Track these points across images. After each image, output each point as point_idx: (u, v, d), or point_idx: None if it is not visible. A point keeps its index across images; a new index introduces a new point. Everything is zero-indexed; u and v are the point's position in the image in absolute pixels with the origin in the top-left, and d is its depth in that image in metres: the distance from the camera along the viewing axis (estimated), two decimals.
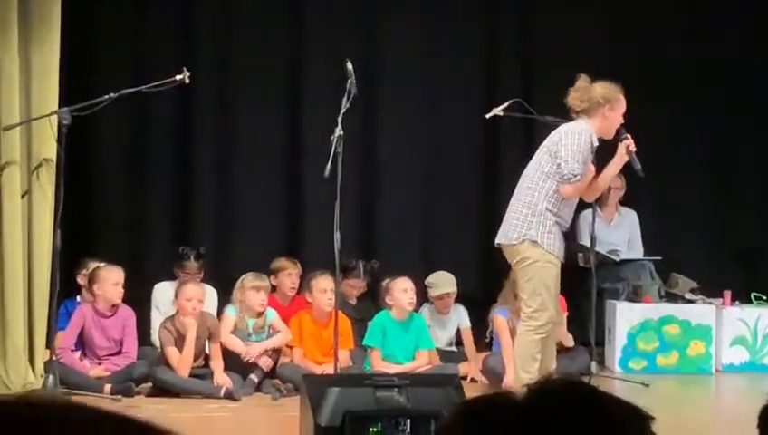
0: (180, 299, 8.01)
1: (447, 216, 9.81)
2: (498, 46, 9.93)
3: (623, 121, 7.24)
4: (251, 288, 8.24)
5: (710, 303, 9.39)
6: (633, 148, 7.21)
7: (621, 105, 7.23)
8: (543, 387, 1.36)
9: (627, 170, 9.65)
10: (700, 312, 9.30)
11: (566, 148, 7.03)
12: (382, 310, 8.50)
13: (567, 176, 7.00)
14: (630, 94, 9.83)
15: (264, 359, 8.17)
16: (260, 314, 8.31)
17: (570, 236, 7.70)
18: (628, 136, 7.24)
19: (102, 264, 8.29)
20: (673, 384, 8.80)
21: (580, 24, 9.93)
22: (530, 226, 7.03)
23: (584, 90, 7.22)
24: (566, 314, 8.58)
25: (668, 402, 7.98)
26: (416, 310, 8.64)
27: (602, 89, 7.24)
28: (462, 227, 9.39)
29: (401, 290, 8.35)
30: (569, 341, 8.55)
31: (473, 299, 8.91)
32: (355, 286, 9.11)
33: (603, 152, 7.29)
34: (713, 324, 9.24)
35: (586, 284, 8.74)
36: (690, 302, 9.42)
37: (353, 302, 9.14)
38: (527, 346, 7.05)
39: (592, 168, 7.24)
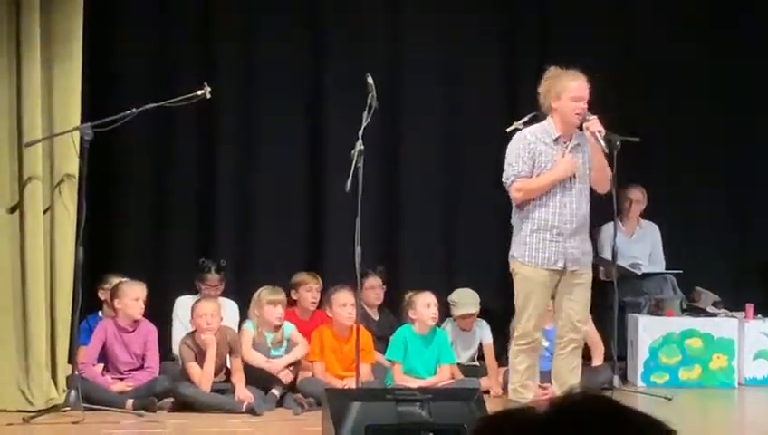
0: (195, 317, 8.05)
1: (469, 230, 9.74)
2: (519, 60, 9.92)
3: (582, 104, 7.05)
4: (268, 303, 8.26)
5: (732, 316, 9.34)
6: (595, 128, 7.03)
7: (567, 90, 7.07)
8: (565, 401, 1.36)
9: (648, 184, 9.75)
10: (722, 325, 9.26)
11: (506, 156, 7.15)
12: (403, 324, 8.51)
13: (503, 183, 7.12)
14: (651, 106, 9.88)
15: (285, 373, 8.17)
16: (278, 328, 8.32)
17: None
18: (591, 118, 7.06)
19: (124, 279, 8.33)
20: (695, 398, 8.76)
21: (599, 34, 9.92)
22: (512, 241, 7.18)
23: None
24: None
25: (691, 416, 7.93)
26: (438, 325, 8.64)
27: (544, 82, 7.17)
28: (483, 242, 9.37)
29: (424, 305, 8.35)
30: (596, 353, 8.60)
31: (494, 313, 8.90)
32: (375, 286, 9.07)
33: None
34: (735, 338, 9.19)
35: (608, 297, 8.70)
36: (712, 315, 9.37)
37: (374, 316, 9.13)
38: (510, 357, 7.29)
39: (570, 159, 7.11)
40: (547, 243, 7.09)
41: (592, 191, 7.33)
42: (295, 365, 8.30)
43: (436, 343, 8.42)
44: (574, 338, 7.26)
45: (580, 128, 7.15)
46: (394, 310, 9.08)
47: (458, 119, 9.90)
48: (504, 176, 7.15)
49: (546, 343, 7.97)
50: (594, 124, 7.04)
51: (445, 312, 8.90)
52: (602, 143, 7.04)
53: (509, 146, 7.19)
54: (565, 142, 7.16)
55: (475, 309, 8.84)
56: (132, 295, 8.10)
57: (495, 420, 1.41)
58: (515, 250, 7.16)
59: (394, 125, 9.68)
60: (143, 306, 8.14)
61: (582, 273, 7.20)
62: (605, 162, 7.21)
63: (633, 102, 9.85)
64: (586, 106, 7.10)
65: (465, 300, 8.84)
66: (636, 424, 1.34)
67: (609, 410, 1.36)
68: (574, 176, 7.13)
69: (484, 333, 8.96)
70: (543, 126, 7.17)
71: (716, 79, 10.07)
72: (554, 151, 7.13)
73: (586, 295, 7.25)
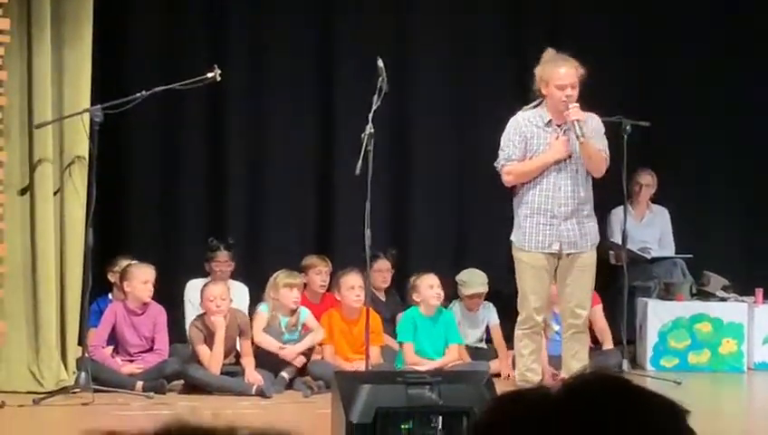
0: (204, 301, 8.06)
1: (478, 212, 9.76)
2: (529, 46, 9.89)
3: (567, 92, 7.01)
4: (284, 286, 8.23)
5: (742, 301, 9.33)
6: (573, 117, 6.99)
7: (553, 78, 7.06)
8: (578, 381, 1.37)
9: (657, 168, 9.73)
10: (732, 310, 9.24)
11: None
12: (410, 306, 8.54)
13: (495, 167, 7.17)
14: (661, 90, 9.86)
15: (299, 358, 8.19)
16: (293, 312, 8.31)
17: (601, 233, 7.64)
18: (572, 106, 7.01)
19: (134, 261, 8.33)
20: (705, 382, 8.76)
21: (609, 25, 9.91)
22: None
23: None
24: (600, 304, 8.62)
25: (700, 400, 7.92)
26: (445, 305, 8.68)
27: (539, 67, 7.16)
28: (493, 224, 9.35)
29: (427, 287, 8.41)
30: (605, 340, 8.63)
31: (503, 295, 8.89)
32: (383, 269, 9.06)
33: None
34: (745, 322, 9.18)
35: (617, 282, 8.70)
36: (722, 300, 9.36)
37: (382, 298, 9.13)
38: (515, 341, 7.35)
39: (562, 142, 7.10)
40: (541, 226, 7.11)
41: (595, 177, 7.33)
42: (309, 350, 8.30)
43: (442, 323, 8.48)
44: (573, 323, 7.26)
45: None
46: (401, 292, 9.09)
47: (469, 101, 9.88)
48: (497, 160, 7.17)
49: (557, 327, 7.99)
50: (574, 112, 7.01)
51: (453, 292, 8.94)
52: (578, 131, 6.99)
53: (505, 130, 7.20)
54: (559, 125, 7.14)
55: (484, 289, 8.88)
56: (141, 278, 8.11)
57: (508, 401, 1.41)
58: (513, 235, 7.24)
59: (404, 108, 9.67)
60: (152, 289, 8.15)
61: (581, 256, 7.18)
62: (592, 149, 7.11)
63: (643, 86, 9.84)
64: (574, 93, 7.05)
65: (474, 280, 8.88)
66: (648, 404, 1.35)
67: (622, 389, 1.36)
68: (570, 158, 7.12)
69: (490, 314, 9.00)
70: (537, 110, 7.19)
71: (728, 61, 10.02)
72: (547, 134, 7.13)
73: (585, 279, 7.23)
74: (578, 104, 7.04)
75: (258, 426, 1.17)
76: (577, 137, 7.01)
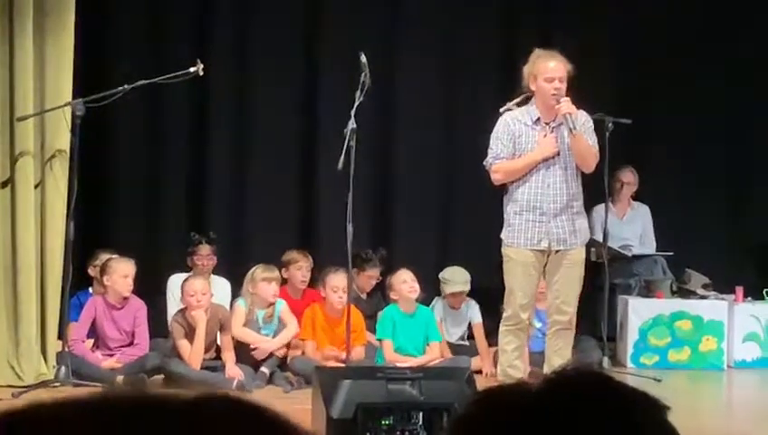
0: (185, 295, 8.04)
1: (462, 208, 9.81)
2: (518, 37, 9.89)
3: (556, 84, 7.02)
4: (262, 280, 8.24)
5: (722, 299, 9.35)
6: (565, 110, 7.01)
7: (542, 71, 7.08)
8: (559, 376, 1.38)
9: (637, 164, 9.76)
10: (712, 307, 9.26)
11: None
12: (389, 304, 8.56)
13: (484, 165, 7.18)
14: (644, 88, 9.88)
15: (278, 352, 8.18)
16: (270, 305, 8.31)
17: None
18: (563, 100, 7.02)
19: (114, 256, 8.30)
20: (685, 380, 8.77)
21: (596, 18, 9.92)
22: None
23: None
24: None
25: (680, 398, 7.90)
26: (427, 304, 8.69)
27: (527, 64, 7.17)
28: (476, 220, 9.37)
29: (400, 282, 8.43)
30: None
31: (487, 292, 8.88)
32: (373, 276, 9.05)
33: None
34: (725, 320, 9.20)
35: (598, 279, 8.71)
36: (702, 297, 9.38)
37: (363, 296, 9.12)
38: (499, 338, 7.36)
39: (549, 140, 7.11)
40: (530, 223, 7.12)
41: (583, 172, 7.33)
42: (286, 345, 8.29)
43: (422, 321, 8.49)
44: (558, 319, 7.27)
45: None
46: (382, 289, 9.07)
47: (455, 97, 9.91)
48: (485, 159, 7.20)
49: (539, 325, 8.00)
50: (565, 106, 7.03)
51: (435, 289, 8.95)
52: (571, 124, 7.02)
53: (494, 130, 7.23)
54: (547, 123, 7.15)
55: (465, 287, 8.89)
56: (121, 272, 8.09)
57: (488, 396, 1.42)
58: (503, 232, 7.25)
59: (388, 104, 9.70)
60: (131, 283, 8.12)
61: (569, 252, 7.19)
62: (583, 143, 7.14)
63: (625, 84, 9.86)
64: (563, 86, 7.07)
65: (456, 278, 8.88)
66: (629, 399, 1.35)
67: (602, 385, 1.37)
68: (559, 155, 7.13)
69: (473, 312, 8.99)
70: (526, 108, 7.20)
71: (713, 58, 10.04)
72: (535, 132, 7.15)
73: (573, 276, 7.24)
74: (569, 98, 7.05)
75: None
76: (570, 130, 7.03)
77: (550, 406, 1.33)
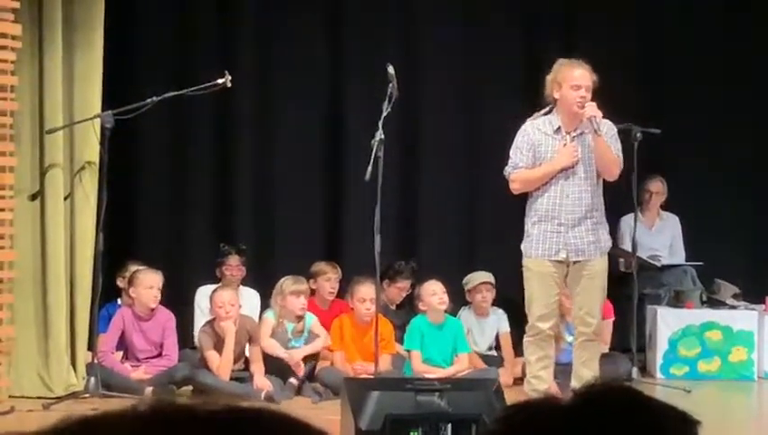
0: (213, 306, 8.06)
1: (489, 218, 9.72)
2: (541, 54, 9.89)
3: (582, 92, 7.00)
4: (291, 293, 8.25)
5: (752, 308, 9.29)
6: (590, 113, 6.98)
7: (567, 79, 7.05)
8: (587, 391, 1.37)
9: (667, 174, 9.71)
10: (742, 318, 9.21)
11: None
12: (418, 315, 8.55)
13: (505, 175, 7.20)
14: (672, 97, 9.84)
15: (301, 367, 8.15)
16: (299, 319, 8.32)
17: (611, 241, 7.63)
18: (588, 104, 7.00)
19: (142, 267, 8.34)
20: (715, 391, 8.73)
21: (619, 31, 9.89)
22: None
23: None
24: (611, 318, 8.64)
25: (710, 409, 7.87)
26: (454, 313, 8.68)
27: (550, 76, 7.15)
28: (503, 230, 9.31)
29: (430, 294, 8.41)
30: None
31: (515, 301, 8.85)
32: (403, 288, 9.04)
33: None
34: (755, 330, 9.13)
35: (627, 289, 8.69)
36: (732, 308, 9.33)
37: (392, 306, 9.10)
38: (524, 348, 7.33)
39: (569, 149, 7.08)
40: (548, 234, 7.10)
41: (608, 181, 7.30)
42: (314, 356, 8.29)
43: (450, 331, 8.46)
44: (583, 331, 7.24)
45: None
46: (411, 301, 9.05)
47: (478, 104, 9.85)
48: (505, 168, 7.19)
49: (570, 338, 7.96)
50: (590, 109, 7.01)
51: (462, 300, 8.95)
52: (596, 126, 7.00)
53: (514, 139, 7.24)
54: (568, 132, 7.14)
55: (488, 279, 8.89)
56: (147, 284, 8.12)
57: (517, 412, 1.41)
58: (522, 242, 7.24)
59: (415, 115, 9.66)
60: (158, 295, 8.14)
61: (589, 263, 7.16)
62: (607, 150, 7.11)
63: (655, 94, 9.82)
64: (588, 95, 7.06)
65: (476, 275, 8.94)
66: (659, 415, 1.35)
67: (632, 399, 1.36)
68: (577, 165, 7.11)
69: (501, 321, 8.98)
70: (548, 117, 7.18)
71: (739, 68, 9.99)
72: (555, 141, 7.13)
73: (594, 287, 7.20)
74: (594, 103, 7.03)
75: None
76: (595, 131, 7.00)
77: (579, 424, 1.32)
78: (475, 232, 9.90)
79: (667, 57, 9.94)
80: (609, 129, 7.23)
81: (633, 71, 9.81)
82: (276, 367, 8.09)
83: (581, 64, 7.14)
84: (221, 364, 7.92)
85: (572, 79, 7.06)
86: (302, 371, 8.13)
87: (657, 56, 9.94)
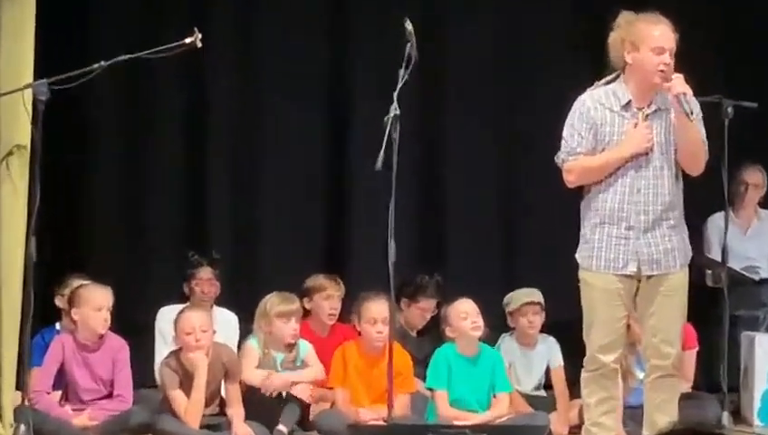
0: (179, 332, 7.97)
1: (535, 219, 9.85)
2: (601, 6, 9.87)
3: (666, 57, 6.81)
4: (278, 316, 8.19)
5: None
6: (678, 90, 6.77)
7: (645, 38, 6.84)
8: None
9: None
10: None
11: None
12: (445, 343, 8.46)
13: (556, 162, 7.03)
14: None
15: (301, 387, 8.07)
16: (291, 347, 8.26)
17: (694, 248, 7.48)
18: (674, 76, 6.80)
19: (87, 282, 8.26)
20: None
21: None
22: None
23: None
24: (695, 348, 8.72)
25: None
26: (491, 342, 8.65)
27: (616, 30, 6.95)
28: (553, 235, 9.27)
29: (459, 316, 8.34)
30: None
31: (568, 327, 8.75)
32: (427, 309, 9.06)
33: None
34: None
35: (716, 309, 8.58)
36: None
37: (413, 333, 9.08)
38: (581, 388, 7.20)
39: (643, 131, 6.92)
40: (613, 240, 6.94)
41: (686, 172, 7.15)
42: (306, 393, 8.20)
43: (486, 365, 8.41)
44: (658, 365, 7.08)
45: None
46: (436, 324, 8.96)
47: (517, 81, 9.96)
48: (557, 154, 7.05)
49: (641, 375, 7.88)
50: (679, 83, 6.79)
51: (502, 324, 8.89)
52: (686, 108, 6.80)
53: (568, 117, 7.07)
54: (640, 108, 6.97)
55: (536, 298, 8.84)
56: (94, 304, 8.03)
57: None
58: (578, 250, 7.09)
59: (436, 84, 9.71)
60: (108, 317, 8.06)
61: (667, 278, 7.01)
62: (696, 135, 6.95)
63: (750, 58, 9.91)
64: (672, 61, 6.87)
65: (521, 294, 8.88)
66: None
67: None
68: (652, 151, 6.94)
69: (552, 353, 8.91)
70: (612, 87, 7.01)
71: None
72: (624, 120, 6.96)
73: (672, 306, 7.04)
74: (681, 75, 6.83)
75: None
76: (687, 115, 6.82)
77: None
78: (518, 238, 10.02)
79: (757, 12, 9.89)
80: (696, 107, 7.09)
81: (721, 28, 9.71)
82: (261, 411, 7.99)
83: (661, 19, 6.98)
84: (189, 407, 7.85)
85: (653, 40, 6.85)
86: (303, 392, 8.08)
87: (753, 7, 9.82)
